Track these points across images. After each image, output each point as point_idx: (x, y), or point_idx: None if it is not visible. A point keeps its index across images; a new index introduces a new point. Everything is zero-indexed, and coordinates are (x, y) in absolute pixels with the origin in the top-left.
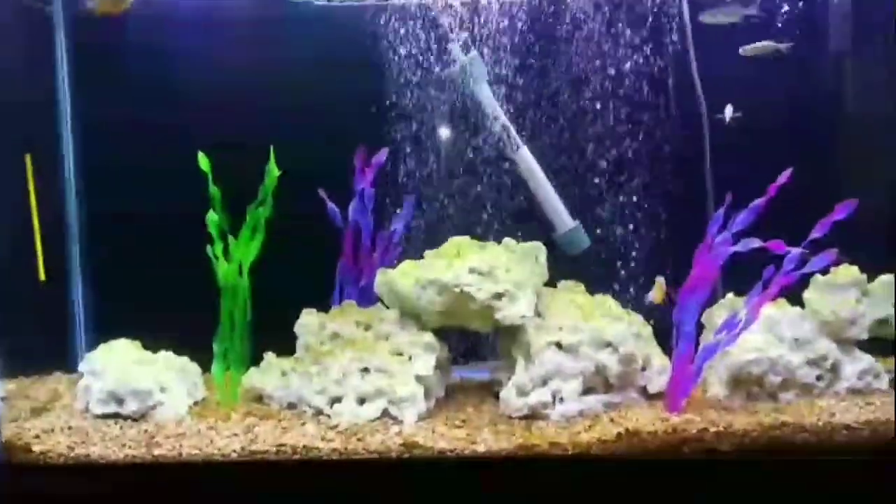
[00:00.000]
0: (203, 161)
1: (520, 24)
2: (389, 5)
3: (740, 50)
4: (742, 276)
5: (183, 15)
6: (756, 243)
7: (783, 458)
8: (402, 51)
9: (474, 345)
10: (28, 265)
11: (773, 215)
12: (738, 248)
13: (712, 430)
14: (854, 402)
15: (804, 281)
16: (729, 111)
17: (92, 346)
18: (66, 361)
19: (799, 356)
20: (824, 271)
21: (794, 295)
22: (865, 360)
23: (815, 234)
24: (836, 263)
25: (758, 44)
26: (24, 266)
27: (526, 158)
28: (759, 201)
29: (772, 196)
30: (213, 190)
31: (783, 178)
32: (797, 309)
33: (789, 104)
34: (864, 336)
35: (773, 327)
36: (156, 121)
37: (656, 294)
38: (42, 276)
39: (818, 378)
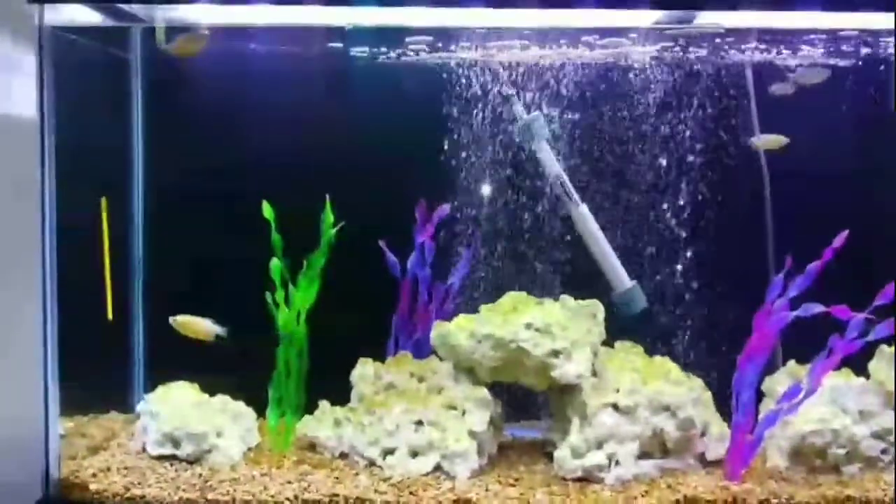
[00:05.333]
0: (267, 210)
1: (583, 86)
2: (455, 61)
3: None
4: (804, 344)
5: (254, 66)
6: (818, 308)
7: None
8: (465, 107)
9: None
10: (90, 305)
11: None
12: (799, 312)
13: (774, 501)
14: None
15: (870, 351)
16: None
17: (149, 386)
18: (121, 401)
19: (863, 428)
20: (890, 342)
21: (859, 366)
22: None
23: (879, 300)
24: None
25: None
26: (86, 306)
27: (584, 216)
28: (814, 265)
29: (827, 259)
30: (276, 238)
31: (838, 241)
32: (862, 380)
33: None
34: None
35: (837, 398)
36: (221, 167)
37: None
38: (110, 316)
39: (883, 452)
